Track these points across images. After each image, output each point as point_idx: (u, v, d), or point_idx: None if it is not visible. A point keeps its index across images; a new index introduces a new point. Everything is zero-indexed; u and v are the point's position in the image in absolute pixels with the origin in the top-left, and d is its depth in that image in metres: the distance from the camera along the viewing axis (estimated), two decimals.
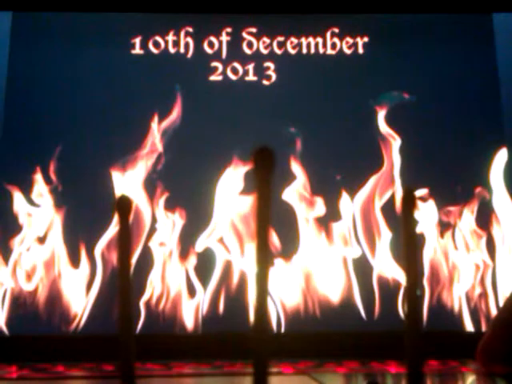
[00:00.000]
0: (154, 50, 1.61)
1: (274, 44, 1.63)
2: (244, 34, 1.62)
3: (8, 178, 1.54)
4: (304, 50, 1.63)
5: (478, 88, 1.66)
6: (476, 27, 1.73)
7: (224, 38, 1.63)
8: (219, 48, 1.63)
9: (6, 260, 1.47)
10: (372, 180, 1.56)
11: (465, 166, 1.59)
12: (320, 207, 1.54)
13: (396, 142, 1.57)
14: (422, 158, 1.58)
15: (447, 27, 1.72)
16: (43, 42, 1.67)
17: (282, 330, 1.45)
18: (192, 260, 1.49)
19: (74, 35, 1.68)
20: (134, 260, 1.35)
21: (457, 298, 1.49)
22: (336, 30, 1.63)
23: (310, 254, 1.51)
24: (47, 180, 1.54)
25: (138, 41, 1.63)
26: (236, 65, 1.62)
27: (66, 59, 1.65)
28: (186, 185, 1.57)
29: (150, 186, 1.57)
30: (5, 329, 1.42)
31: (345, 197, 1.55)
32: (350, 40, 1.62)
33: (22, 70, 1.65)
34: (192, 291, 1.46)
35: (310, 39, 1.63)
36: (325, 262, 1.50)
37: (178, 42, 1.63)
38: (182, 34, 1.63)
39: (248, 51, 1.63)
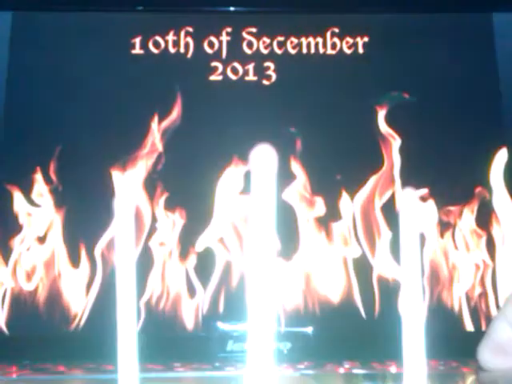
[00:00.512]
0: (154, 50, 1.61)
1: (274, 44, 1.63)
2: (244, 34, 1.62)
3: (8, 178, 1.54)
4: (304, 50, 1.63)
5: (479, 88, 1.66)
6: (476, 27, 1.73)
7: (224, 37, 1.63)
8: (219, 48, 1.63)
9: (6, 260, 1.47)
10: (372, 180, 1.55)
11: (465, 165, 1.59)
12: (320, 207, 1.54)
13: (396, 142, 1.57)
14: (422, 157, 1.58)
15: (447, 27, 1.72)
16: (43, 41, 1.67)
17: (282, 329, 1.45)
18: (192, 260, 1.49)
19: (74, 35, 1.68)
20: (133, 260, 1.35)
21: (457, 298, 1.49)
22: (336, 30, 1.63)
23: (310, 253, 1.51)
24: (47, 180, 1.54)
25: (137, 41, 1.63)
26: (236, 64, 1.62)
27: (66, 59, 1.65)
28: (186, 184, 1.57)
29: (150, 185, 1.57)
30: (5, 329, 1.42)
31: (345, 197, 1.55)
32: (350, 40, 1.62)
33: (22, 70, 1.65)
34: (192, 291, 1.46)
35: (310, 39, 1.63)
36: (325, 262, 1.50)
37: (178, 41, 1.63)
38: (182, 33, 1.63)
39: (248, 51, 1.63)
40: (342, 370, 1.10)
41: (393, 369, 1.09)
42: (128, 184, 1.51)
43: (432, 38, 1.64)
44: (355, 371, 1.10)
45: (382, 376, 1.04)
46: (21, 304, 1.43)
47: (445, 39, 1.64)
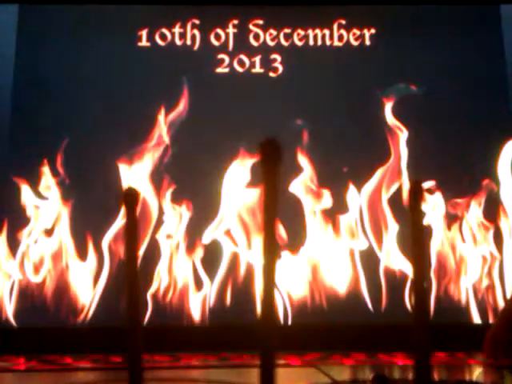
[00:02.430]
0: (161, 43, 1.61)
1: (281, 36, 1.62)
2: (251, 26, 1.62)
3: (16, 171, 1.55)
4: (311, 42, 1.63)
5: (486, 79, 1.65)
6: (483, 18, 1.72)
7: (231, 29, 1.62)
8: (226, 40, 1.63)
9: (14, 252, 1.47)
10: (379, 172, 1.55)
11: (472, 157, 1.59)
12: (327, 199, 1.54)
13: (403, 134, 1.56)
14: (429, 149, 1.58)
15: (454, 18, 1.71)
16: (49, 34, 1.67)
17: (289, 322, 1.46)
18: (199, 252, 1.50)
19: (80, 28, 1.68)
20: (141, 252, 1.35)
21: (464, 290, 1.49)
22: (343, 22, 1.62)
23: (317, 246, 1.51)
24: (54, 173, 1.54)
25: (144, 33, 1.62)
26: (243, 57, 1.62)
27: (73, 52, 1.66)
28: (192, 177, 1.57)
29: (157, 178, 1.57)
30: (13, 321, 1.43)
31: (352, 189, 1.54)
32: (356, 32, 1.62)
33: (29, 63, 1.65)
34: (199, 283, 1.47)
35: (317, 31, 1.63)
36: (331, 254, 1.50)
37: (184, 34, 1.62)
38: (189, 26, 1.63)
39: (255, 43, 1.62)
40: (348, 362, 1.10)
41: (400, 360, 1.09)
42: (135, 177, 1.51)
43: (439, 29, 1.63)
44: (362, 363, 1.10)
45: (389, 367, 1.04)
46: (28, 296, 1.44)
47: (452, 30, 1.63)
